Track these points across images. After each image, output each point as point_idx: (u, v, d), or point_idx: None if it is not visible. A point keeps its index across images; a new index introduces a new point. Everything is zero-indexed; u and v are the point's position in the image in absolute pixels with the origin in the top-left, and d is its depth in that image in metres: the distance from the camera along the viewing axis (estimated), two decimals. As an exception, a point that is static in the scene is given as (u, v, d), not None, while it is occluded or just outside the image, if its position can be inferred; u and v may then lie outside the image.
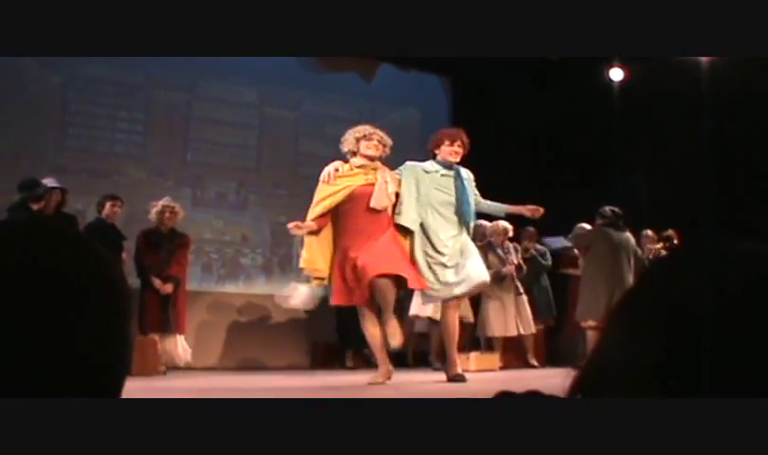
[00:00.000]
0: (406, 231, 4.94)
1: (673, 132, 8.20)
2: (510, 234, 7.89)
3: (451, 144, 4.99)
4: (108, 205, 6.66)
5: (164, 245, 6.78)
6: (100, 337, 0.58)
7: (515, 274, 7.70)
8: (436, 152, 5.07)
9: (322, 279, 4.82)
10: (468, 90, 9.89)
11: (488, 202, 5.25)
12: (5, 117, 7.88)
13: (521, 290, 7.76)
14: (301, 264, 4.93)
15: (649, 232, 7.93)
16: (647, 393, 0.49)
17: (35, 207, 5.94)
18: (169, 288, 6.61)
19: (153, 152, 8.79)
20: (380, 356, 4.81)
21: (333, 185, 4.76)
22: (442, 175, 4.99)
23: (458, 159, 5.04)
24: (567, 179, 9.06)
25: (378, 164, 4.88)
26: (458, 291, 4.94)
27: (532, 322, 7.77)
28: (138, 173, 8.56)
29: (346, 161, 4.92)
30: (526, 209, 5.23)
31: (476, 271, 4.94)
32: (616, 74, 8.99)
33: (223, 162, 9.18)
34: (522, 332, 7.71)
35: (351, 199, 4.72)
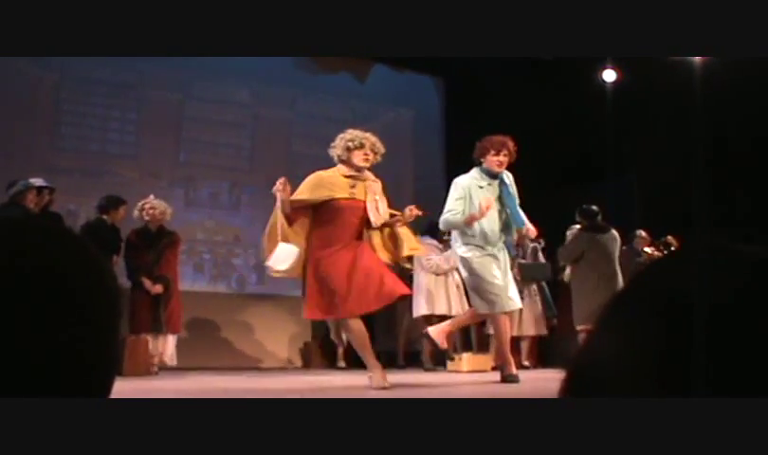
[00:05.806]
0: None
1: (667, 132, 8.24)
2: None
3: (497, 154, 4.93)
4: (122, 209, 6.69)
5: (153, 245, 6.77)
6: (89, 335, 0.58)
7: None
8: (481, 160, 5.00)
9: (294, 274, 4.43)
10: (462, 90, 9.90)
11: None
12: (-3, 116, 7.86)
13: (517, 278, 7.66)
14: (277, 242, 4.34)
15: (642, 233, 7.90)
16: (639, 393, 0.49)
17: (27, 205, 5.93)
18: (159, 289, 6.60)
19: (145, 152, 8.77)
20: (373, 360, 4.45)
21: (319, 185, 4.43)
22: (489, 185, 4.96)
23: (503, 169, 4.99)
24: (561, 179, 9.09)
25: (368, 175, 4.55)
26: (513, 306, 5.08)
27: (532, 325, 7.72)
28: (131, 173, 8.54)
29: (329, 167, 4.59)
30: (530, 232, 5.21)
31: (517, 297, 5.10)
32: (609, 75, 9.02)
33: (216, 162, 9.18)
34: (522, 333, 7.66)
35: (330, 209, 4.40)
